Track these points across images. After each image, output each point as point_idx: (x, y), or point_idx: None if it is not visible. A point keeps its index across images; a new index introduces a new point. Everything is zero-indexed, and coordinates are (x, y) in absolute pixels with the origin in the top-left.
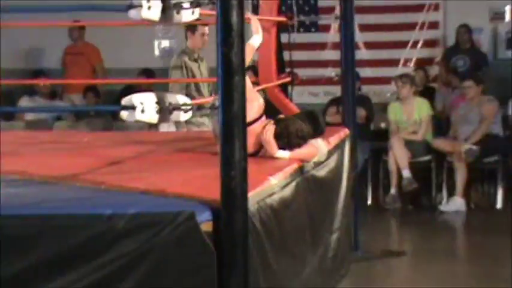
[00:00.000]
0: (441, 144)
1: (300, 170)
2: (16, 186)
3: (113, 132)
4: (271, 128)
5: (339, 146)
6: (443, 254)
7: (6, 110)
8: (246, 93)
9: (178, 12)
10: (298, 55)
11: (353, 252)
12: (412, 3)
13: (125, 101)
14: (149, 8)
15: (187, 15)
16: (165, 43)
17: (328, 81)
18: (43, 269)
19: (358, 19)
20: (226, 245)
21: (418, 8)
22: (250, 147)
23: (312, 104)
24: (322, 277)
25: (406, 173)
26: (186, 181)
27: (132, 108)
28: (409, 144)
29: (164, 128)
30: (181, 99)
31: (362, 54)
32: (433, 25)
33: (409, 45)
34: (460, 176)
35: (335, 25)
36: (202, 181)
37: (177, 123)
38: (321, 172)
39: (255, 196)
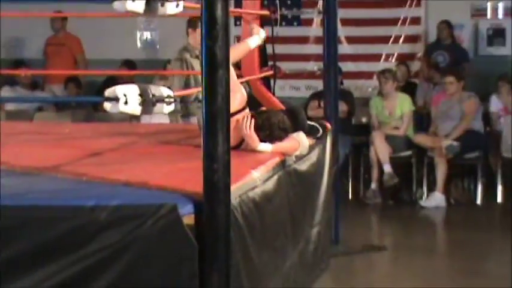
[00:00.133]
0: (422, 139)
1: (282, 164)
2: None
3: (95, 124)
4: (252, 122)
5: (321, 140)
6: (423, 249)
7: None
8: (229, 87)
9: (162, 5)
10: (281, 49)
11: (333, 246)
12: None
13: (108, 92)
14: (134, 0)
15: (172, 7)
16: (147, 35)
17: (310, 75)
18: (25, 260)
19: (341, 13)
20: (208, 238)
21: (400, 3)
22: (232, 139)
23: (294, 97)
24: (302, 271)
25: (387, 168)
26: (169, 174)
27: (115, 99)
28: (390, 139)
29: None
30: (165, 91)
31: (344, 48)
32: (415, 21)
33: (391, 40)
34: (441, 172)
35: (317, 19)
36: (185, 174)
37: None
38: (303, 166)
39: (237, 189)
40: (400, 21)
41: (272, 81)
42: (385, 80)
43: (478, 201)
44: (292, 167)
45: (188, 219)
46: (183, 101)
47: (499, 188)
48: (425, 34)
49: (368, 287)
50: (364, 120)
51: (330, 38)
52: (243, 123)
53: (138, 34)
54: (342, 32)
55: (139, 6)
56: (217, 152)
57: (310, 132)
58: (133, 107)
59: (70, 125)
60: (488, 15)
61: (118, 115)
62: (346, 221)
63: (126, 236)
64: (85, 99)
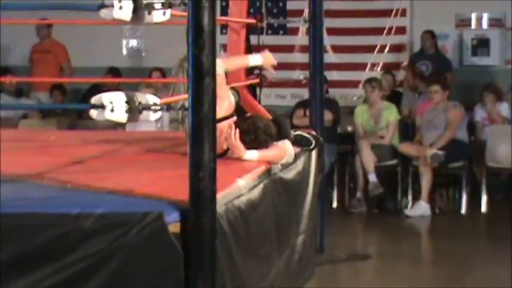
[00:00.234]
0: (407, 148)
1: (268, 172)
2: None
3: (80, 131)
4: (237, 132)
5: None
6: (408, 258)
7: None
8: (216, 95)
9: (149, 13)
10: None
11: (318, 255)
12: (379, 8)
13: (94, 99)
14: (120, 8)
15: (159, 16)
16: (133, 43)
17: (296, 83)
18: (9, 268)
19: (326, 23)
20: (193, 246)
21: (386, 13)
22: (218, 146)
23: (279, 106)
24: (287, 279)
25: (372, 178)
26: (155, 181)
27: (101, 107)
28: (375, 148)
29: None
30: (151, 99)
31: (330, 57)
32: (400, 30)
33: (376, 49)
34: (425, 181)
35: (303, 28)
36: (171, 182)
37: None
38: (289, 174)
39: (222, 198)
40: (385, 31)
41: (258, 90)
42: (372, 89)
43: (463, 211)
44: (277, 175)
45: (174, 227)
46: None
47: (484, 198)
48: (410, 43)
49: None
50: (349, 129)
51: (316, 47)
52: (229, 133)
53: (124, 42)
54: (328, 41)
55: (126, 14)
56: (203, 160)
57: (301, 143)
58: (120, 115)
59: (55, 132)
60: (473, 26)
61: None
62: (331, 230)
63: (111, 244)
64: (71, 107)
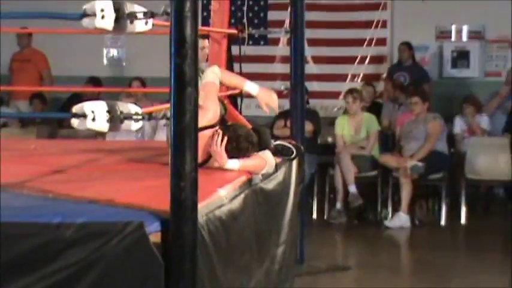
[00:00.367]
0: (387, 159)
1: (249, 182)
2: None
3: (60, 140)
4: (223, 140)
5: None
6: (387, 269)
7: None
8: (198, 105)
9: (131, 22)
10: (247, 67)
11: (298, 265)
12: (360, 19)
13: (75, 108)
14: (103, 17)
15: (141, 25)
16: (114, 52)
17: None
18: None
19: (307, 33)
20: (174, 256)
21: (367, 25)
22: (199, 155)
23: (260, 116)
24: None
25: (352, 189)
26: (136, 191)
27: (83, 116)
28: (355, 159)
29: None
30: (133, 108)
31: (310, 68)
32: (381, 41)
33: (357, 60)
34: (405, 192)
35: (284, 38)
36: (152, 191)
37: None
38: (269, 185)
39: (203, 208)
40: (366, 42)
41: (239, 100)
42: (353, 100)
43: (442, 222)
44: (258, 185)
45: (155, 237)
46: None
47: (463, 209)
48: (391, 55)
49: None
50: (329, 139)
51: (297, 58)
52: (214, 140)
53: (105, 51)
54: (309, 51)
55: (108, 24)
56: (185, 170)
57: (282, 152)
58: (101, 124)
59: (35, 141)
60: (453, 38)
61: (83, 132)
62: (311, 240)
63: (92, 253)
64: (52, 115)
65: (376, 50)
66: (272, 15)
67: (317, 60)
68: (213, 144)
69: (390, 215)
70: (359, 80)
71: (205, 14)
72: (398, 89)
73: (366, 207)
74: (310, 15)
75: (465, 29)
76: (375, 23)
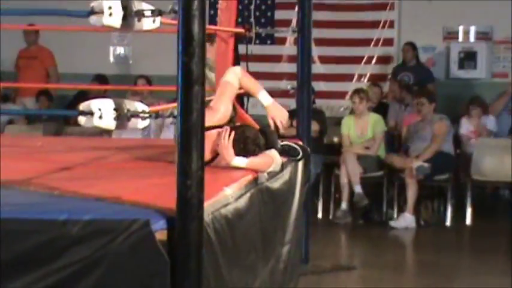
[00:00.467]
0: (393, 160)
1: (255, 181)
2: None
3: (67, 137)
4: (230, 135)
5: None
6: (392, 269)
7: None
8: (204, 103)
9: (139, 20)
10: (254, 67)
11: (303, 265)
12: (367, 19)
13: (83, 106)
14: (110, 14)
15: (149, 23)
16: (120, 50)
17: (283, 93)
18: None
19: (314, 33)
20: (180, 254)
21: (374, 25)
22: (206, 154)
23: (266, 115)
24: None
25: (358, 189)
26: (142, 189)
27: (90, 113)
28: (361, 159)
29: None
30: (140, 106)
31: (317, 68)
32: (388, 42)
33: (364, 60)
34: (411, 193)
35: (291, 38)
36: (159, 189)
37: None
38: (275, 184)
39: (209, 206)
40: (372, 42)
41: (246, 99)
42: (359, 100)
43: (448, 223)
44: (264, 184)
45: (160, 234)
46: None
47: (468, 210)
48: (398, 55)
49: None
50: (335, 139)
51: (304, 57)
52: (221, 136)
53: (111, 49)
54: (316, 51)
55: (116, 21)
56: (191, 169)
57: (289, 153)
58: (108, 122)
59: (42, 138)
60: (460, 39)
61: (89, 129)
62: (316, 240)
63: (98, 250)
64: (59, 113)
65: (383, 50)
66: (279, 15)
67: (324, 60)
68: (221, 139)
69: (395, 216)
70: (365, 80)
71: (212, 12)
72: (405, 90)
73: (372, 207)
74: (317, 15)
75: (472, 29)
76: (382, 23)
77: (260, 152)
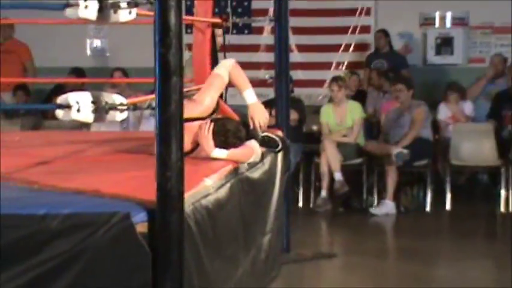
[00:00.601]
0: (372, 147)
1: (235, 172)
2: None
3: (45, 132)
4: (210, 126)
5: None
6: (373, 256)
7: None
8: (182, 94)
9: (115, 12)
10: (231, 57)
11: (284, 254)
12: (344, 7)
13: (60, 99)
14: (86, 7)
15: (125, 15)
16: (97, 42)
17: (261, 83)
18: None
19: (291, 22)
20: (161, 246)
21: (351, 12)
22: (186, 145)
23: (244, 105)
24: (254, 278)
25: (338, 176)
26: (122, 181)
27: (67, 107)
28: (341, 147)
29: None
30: (118, 98)
31: (295, 56)
32: (365, 29)
33: (341, 48)
34: (391, 179)
35: (268, 27)
36: (138, 182)
37: None
38: (255, 174)
39: (190, 197)
40: (350, 30)
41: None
42: (338, 88)
43: (427, 209)
44: (244, 174)
45: (141, 227)
46: None
47: (448, 196)
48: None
49: None
50: (314, 128)
51: (281, 46)
52: (202, 129)
53: (88, 42)
54: (293, 40)
55: (92, 13)
56: (171, 160)
57: (269, 145)
58: (86, 115)
59: (20, 132)
60: (437, 24)
61: (67, 123)
62: (297, 229)
63: (78, 244)
64: (37, 107)
65: (360, 38)
66: (256, 4)
67: (301, 48)
68: (202, 130)
69: (376, 202)
70: (343, 68)
71: (188, 3)
72: (383, 77)
73: (352, 194)
74: (293, 4)
75: (449, 15)
76: (358, 10)
77: (241, 143)
